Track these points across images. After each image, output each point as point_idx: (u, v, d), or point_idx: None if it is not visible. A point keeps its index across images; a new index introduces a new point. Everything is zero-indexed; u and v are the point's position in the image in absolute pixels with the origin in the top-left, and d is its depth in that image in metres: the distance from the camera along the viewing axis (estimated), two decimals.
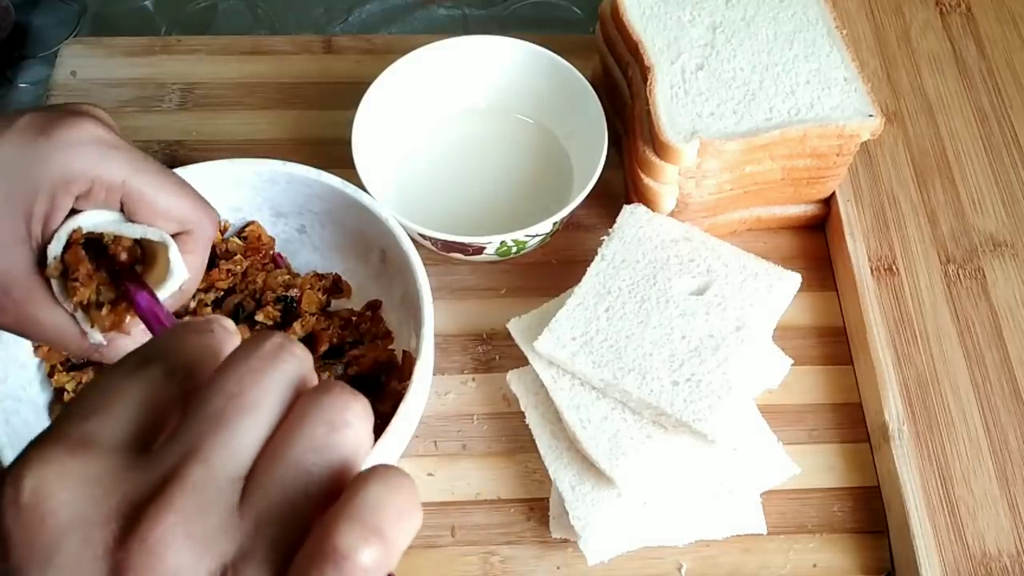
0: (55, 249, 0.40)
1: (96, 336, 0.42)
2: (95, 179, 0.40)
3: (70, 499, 0.22)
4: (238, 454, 0.23)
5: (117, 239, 0.42)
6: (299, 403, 0.24)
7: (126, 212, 0.42)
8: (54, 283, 0.41)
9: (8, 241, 0.40)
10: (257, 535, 0.22)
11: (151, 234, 0.42)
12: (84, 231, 0.41)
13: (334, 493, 0.23)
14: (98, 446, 0.23)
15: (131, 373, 0.25)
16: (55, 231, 0.41)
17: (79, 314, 0.41)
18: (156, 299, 0.41)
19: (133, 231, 0.42)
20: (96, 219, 0.41)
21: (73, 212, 0.41)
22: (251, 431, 0.24)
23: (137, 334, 0.43)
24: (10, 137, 0.39)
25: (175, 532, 0.22)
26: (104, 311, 0.42)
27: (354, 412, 0.24)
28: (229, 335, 0.28)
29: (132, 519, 0.22)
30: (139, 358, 0.26)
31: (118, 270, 0.42)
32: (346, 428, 0.24)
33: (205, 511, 0.22)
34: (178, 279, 0.42)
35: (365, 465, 0.25)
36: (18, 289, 0.40)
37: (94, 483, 0.22)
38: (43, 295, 0.41)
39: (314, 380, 0.26)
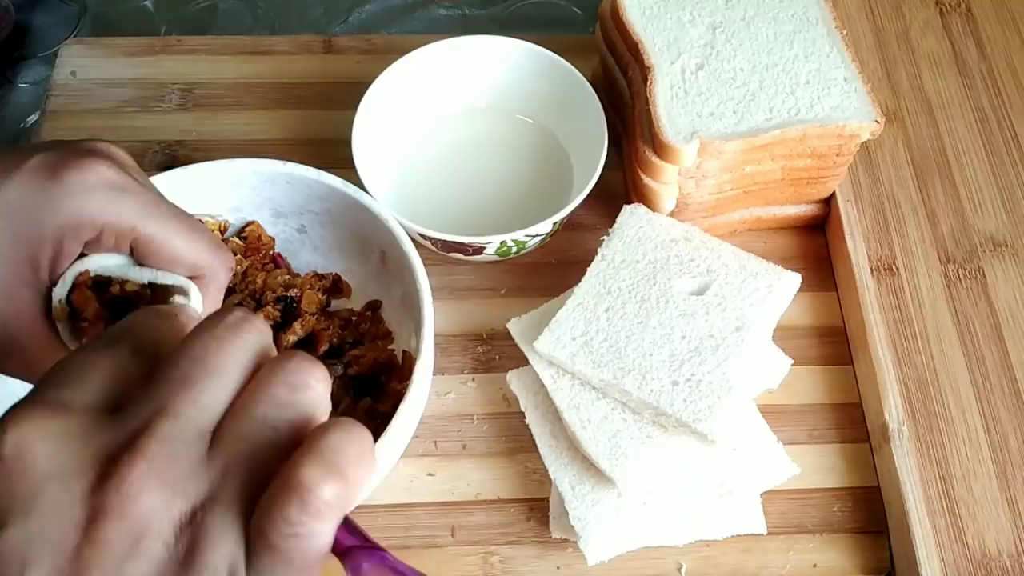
0: (60, 292, 0.40)
1: None
2: (104, 226, 0.39)
3: (49, 451, 0.24)
4: (205, 409, 0.25)
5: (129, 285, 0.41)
6: (265, 368, 0.26)
7: (137, 256, 0.41)
8: (61, 327, 0.40)
9: (14, 286, 0.39)
10: (224, 480, 0.24)
11: (162, 278, 0.41)
12: (92, 274, 0.40)
13: (295, 446, 0.25)
14: (73, 407, 0.25)
15: (100, 349, 0.27)
16: (61, 274, 0.40)
17: None
18: None
19: (142, 275, 0.41)
20: (104, 262, 0.40)
21: (81, 255, 0.40)
22: (217, 391, 0.26)
23: None
24: (19, 178, 0.38)
25: (148, 477, 0.24)
26: None
27: (314, 376, 0.26)
28: (192, 319, 0.30)
29: (107, 467, 0.24)
30: (108, 337, 0.28)
31: (123, 306, 0.41)
32: (307, 389, 0.26)
33: (175, 459, 0.24)
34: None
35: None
36: (25, 335, 0.40)
37: (70, 438, 0.24)
38: (50, 340, 0.40)
39: (274, 352, 0.28)
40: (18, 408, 0.25)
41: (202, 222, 0.44)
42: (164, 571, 0.24)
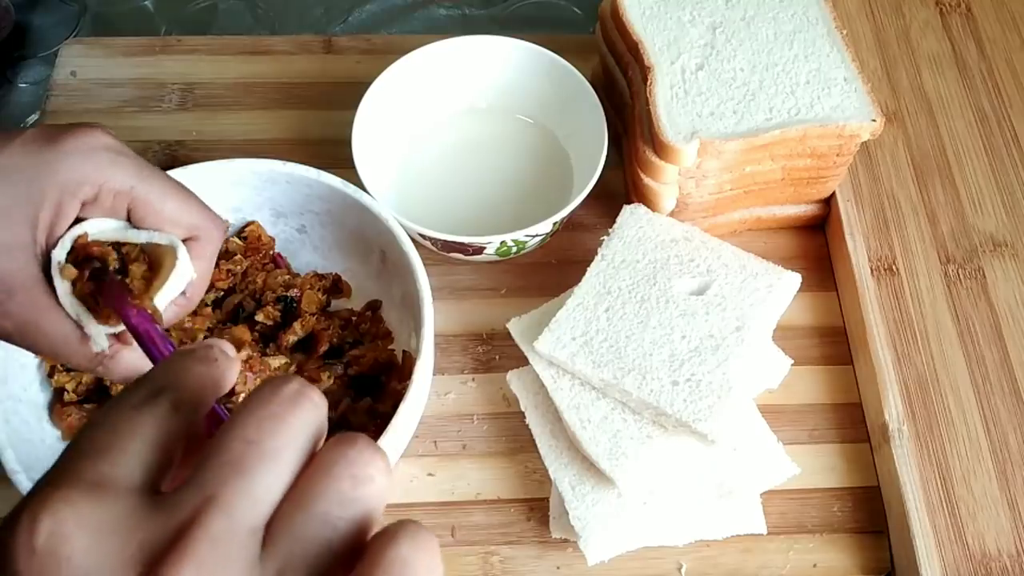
0: (59, 254, 0.40)
1: (101, 341, 0.41)
2: (103, 184, 0.40)
3: (87, 546, 0.21)
4: (259, 503, 0.23)
5: (115, 246, 0.41)
6: (323, 454, 0.24)
7: (133, 219, 0.42)
8: (59, 289, 0.41)
9: (13, 246, 0.39)
10: None
11: (158, 238, 0.42)
12: (90, 236, 0.41)
13: (356, 548, 0.23)
14: (114, 488, 0.23)
15: (139, 408, 0.25)
16: (60, 237, 0.40)
17: (84, 318, 0.41)
18: (148, 317, 0.40)
19: (139, 236, 0.42)
20: (101, 225, 0.41)
21: (77, 221, 0.41)
22: (272, 479, 0.23)
23: (138, 347, 0.43)
24: (16, 144, 0.39)
25: None
26: (103, 315, 0.41)
27: (377, 467, 0.24)
28: (231, 362, 0.27)
29: (150, 569, 0.21)
30: (147, 390, 0.25)
31: (107, 282, 0.41)
32: (371, 483, 0.23)
33: (225, 563, 0.22)
34: (185, 277, 0.42)
35: None
36: (22, 294, 0.40)
37: (111, 529, 0.22)
38: (47, 301, 0.41)
39: (326, 427, 0.26)
40: (52, 486, 0.22)
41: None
42: None
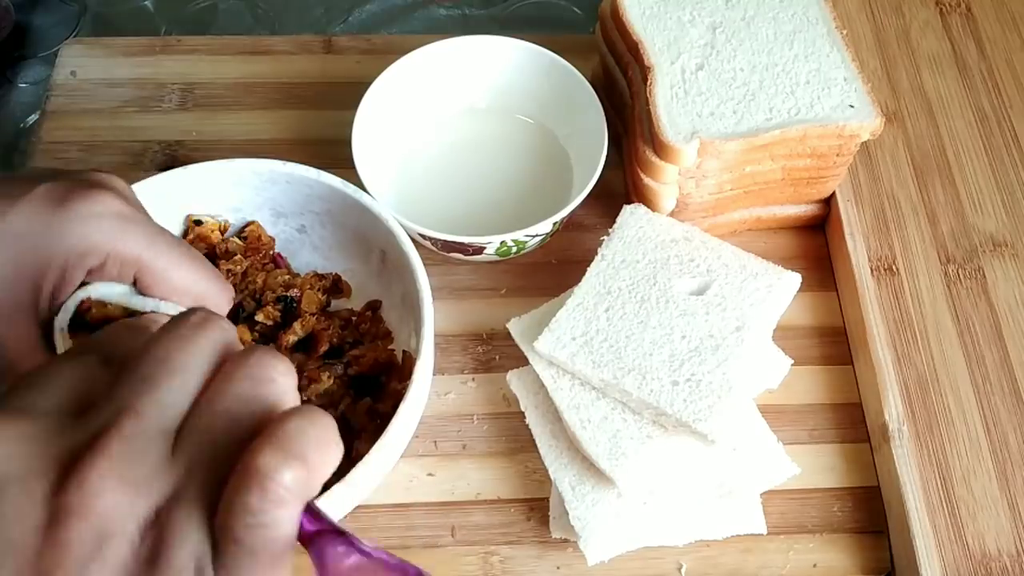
0: (62, 320, 0.39)
1: None
2: (111, 253, 0.39)
3: (9, 454, 0.24)
4: (168, 407, 0.25)
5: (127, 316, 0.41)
6: (227, 363, 0.26)
7: (140, 286, 0.41)
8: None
9: (15, 312, 0.39)
10: (188, 478, 0.24)
11: (165, 308, 0.41)
12: (93, 301, 0.40)
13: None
14: (35, 411, 0.25)
15: (69, 359, 0.27)
16: (63, 302, 0.39)
17: None
18: None
19: (146, 304, 0.41)
20: (107, 290, 0.40)
21: (82, 284, 0.40)
22: (180, 388, 0.25)
23: None
24: (25, 206, 0.38)
25: (109, 476, 0.23)
26: None
27: (277, 369, 0.26)
28: (155, 322, 0.30)
29: (68, 468, 0.23)
30: (78, 348, 0.28)
31: None
32: (269, 382, 0.26)
33: (137, 458, 0.24)
34: None
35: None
36: (23, 362, 0.40)
37: (30, 440, 0.24)
38: None
39: (237, 346, 0.28)
40: None
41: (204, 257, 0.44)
42: (129, 572, 0.23)
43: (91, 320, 0.40)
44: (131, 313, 0.41)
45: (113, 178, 0.42)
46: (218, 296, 0.43)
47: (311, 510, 0.25)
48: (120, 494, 0.23)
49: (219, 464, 0.24)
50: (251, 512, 0.23)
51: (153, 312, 0.41)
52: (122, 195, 0.41)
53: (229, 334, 0.28)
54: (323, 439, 0.25)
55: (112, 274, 0.40)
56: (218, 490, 0.24)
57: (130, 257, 0.40)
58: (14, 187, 0.39)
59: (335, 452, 0.25)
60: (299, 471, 0.24)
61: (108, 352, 0.28)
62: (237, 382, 0.26)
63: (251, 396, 0.26)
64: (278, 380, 0.26)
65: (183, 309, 0.40)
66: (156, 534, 0.24)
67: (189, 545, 0.24)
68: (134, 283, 0.41)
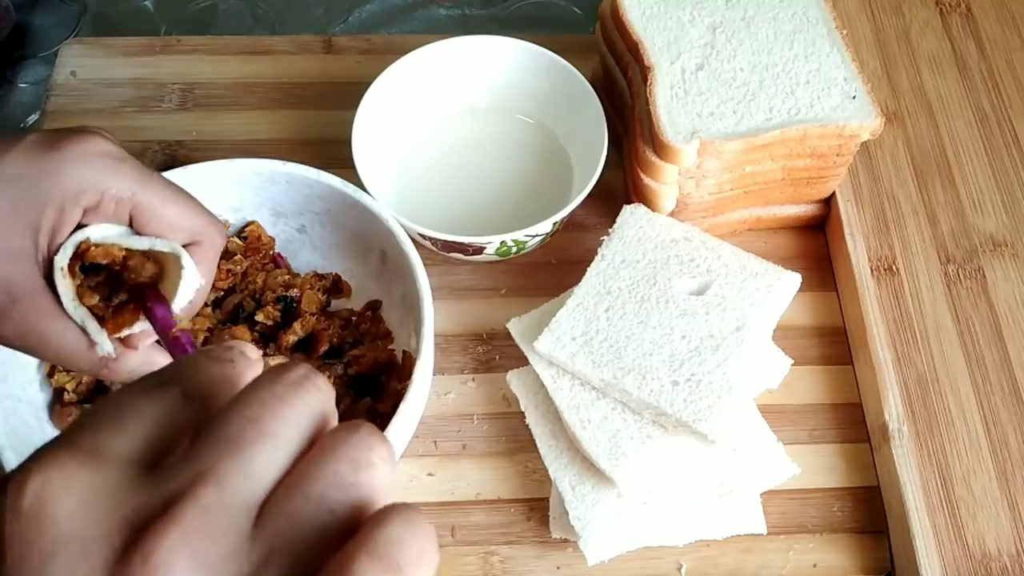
0: (62, 260, 0.40)
1: (106, 346, 0.41)
2: (104, 191, 0.40)
3: (73, 509, 0.21)
4: (254, 480, 0.22)
5: (128, 255, 0.41)
6: (325, 438, 0.24)
7: (135, 225, 0.42)
8: (62, 294, 0.40)
9: (15, 253, 0.39)
10: (268, 565, 0.21)
11: (160, 245, 0.42)
12: (92, 242, 0.41)
13: (350, 534, 0.22)
14: (108, 458, 0.22)
15: (147, 392, 0.25)
16: (62, 243, 0.40)
17: (88, 323, 0.41)
18: (171, 315, 0.41)
19: (142, 243, 0.42)
20: (104, 231, 0.41)
21: (79, 227, 0.41)
22: (270, 458, 0.23)
23: (144, 349, 0.43)
24: (18, 150, 0.39)
25: (180, 553, 0.20)
26: (110, 321, 0.41)
27: (380, 455, 0.23)
28: (250, 364, 0.27)
29: (137, 535, 0.21)
30: (158, 379, 0.25)
31: (131, 287, 0.42)
32: (371, 469, 0.23)
33: (214, 534, 0.21)
34: (192, 284, 0.42)
35: None
36: (25, 300, 0.40)
37: (100, 495, 0.21)
38: (50, 307, 0.41)
39: (335, 418, 0.25)
40: (48, 451, 0.22)
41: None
42: None
43: (89, 260, 0.41)
44: (130, 256, 0.41)
45: (100, 128, 0.42)
46: (212, 231, 0.44)
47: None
48: (190, 575, 0.20)
49: (304, 557, 0.21)
50: None
51: (150, 249, 0.42)
52: (111, 141, 0.42)
53: (329, 400, 0.25)
54: (424, 551, 0.22)
55: (108, 213, 0.41)
56: None
57: (124, 194, 0.40)
58: (3, 139, 0.40)
59: (434, 562, 0.22)
60: None
61: (190, 387, 0.25)
62: (336, 463, 0.23)
63: (349, 484, 0.23)
64: (379, 467, 0.23)
65: (178, 247, 0.42)
66: None
67: None
68: (130, 224, 0.42)
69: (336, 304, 0.62)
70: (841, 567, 0.56)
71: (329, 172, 0.58)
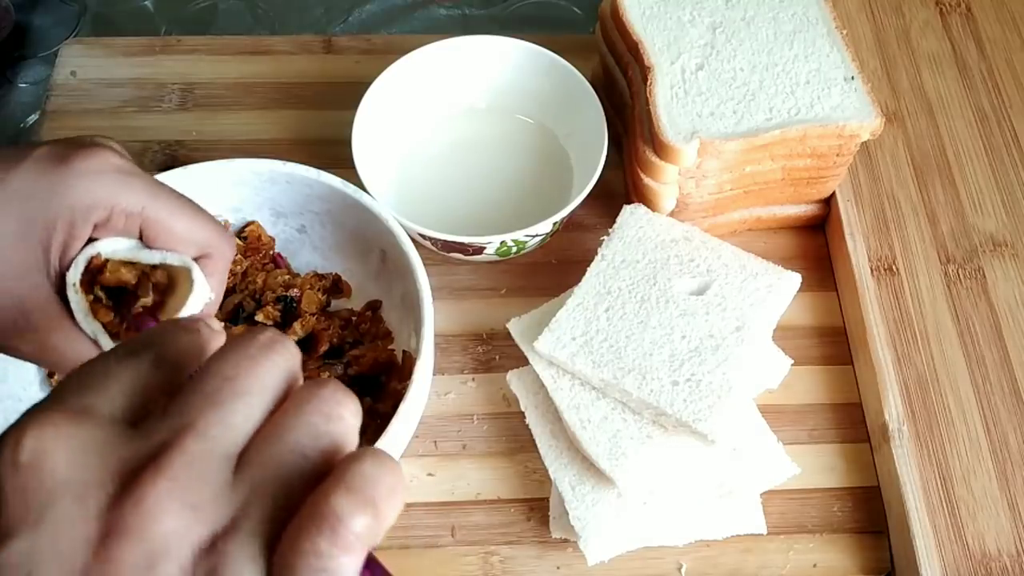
0: (74, 275, 0.40)
1: None
2: (115, 206, 0.40)
3: (67, 461, 0.23)
4: (233, 431, 0.24)
5: (140, 277, 0.42)
6: (297, 393, 0.26)
7: (145, 239, 0.42)
8: (75, 310, 0.41)
9: (27, 269, 0.39)
10: (249, 507, 0.23)
11: (171, 259, 0.42)
12: (103, 257, 0.41)
13: (322, 477, 0.24)
14: (95, 416, 0.24)
15: (122, 359, 0.26)
16: (73, 258, 0.40)
17: (101, 338, 0.41)
18: None
19: (152, 257, 0.42)
20: (114, 245, 0.41)
21: (90, 241, 0.41)
22: (246, 412, 0.25)
23: None
24: (28, 166, 0.39)
25: (169, 497, 0.22)
26: (123, 336, 0.42)
27: (348, 408, 0.25)
28: (215, 334, 0.29)
29: (127, 483, 0.23)
30: (128, 347, 0.27)
31: (133, 306, 0.42)
32: (340, 420, 0.25)
33: (199, 480, 0.23)
34: (202, 298, 0.42)
35: None
36: (39, 316, 0.40)
37: (91, 448, 0.23)
38: (64, 322, 0.41)
39: (301, 377, 0.27)
40: (38, 411, 0.24)
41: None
42: None
43: (104, 283, 0.41)
44: (143, 275, 0.42)
45: (109, 139, 0.42)
46: (221, 243, 0.44)
47: (370, 559, 0.24)
48: (178, 517, 0.22)
49: (283, 498, 0.23)
50: (318, 555, 0.22)
51: (161, 264, 0.42)
52: (119, 153, 0.42)
53: (297, 360, 0.27)
54: (394, 487, 0.24)
55: (118, 228, 0.41)
56: (280, 525, 0.23)
57: (134, 209, 0.40)
58: (12, 153, 0.40)
59: (401, 501, 0.24)
60: (370, 518, 0.23)
61: (160, 353, 0.27)
62: (308, 415, 0.25)
63: (322, 432, 0.24)
64: (347, 419, 0.25)
65: (188, 260, 0.42)
66: (210, 562, 0.22)
67: None
68: (140, 238, 0.42)
69: (336, 304, 0.62)
70: (841, 567, 0.56)
71: (329, 172, 0.58)
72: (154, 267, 0.42)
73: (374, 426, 0.54)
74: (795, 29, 0.63)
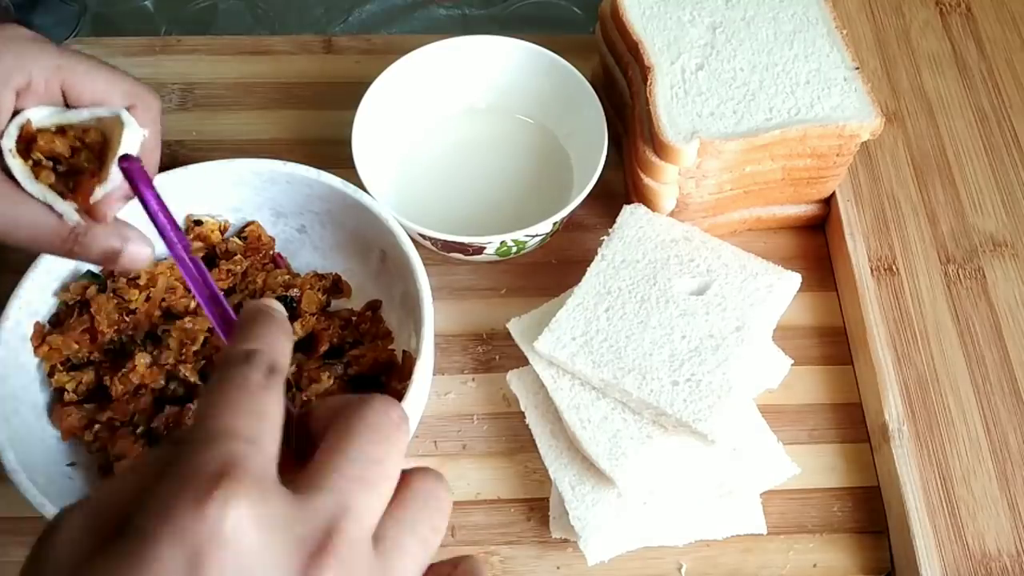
0: (8, 143, 0.41)
1: (72, 216, 0.42)
2: (31, 70, 0.41)
3: (260, 539, 0.24)
4: (376, 513, 0.27)
5: (74, 147, 0.42)
6: (417, 483, 0.29)
7: (69, 100, 0.43)
8: (17, 175, 0.41)
9: None
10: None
11: (100, 112, 0.43)
12: (33, 124, 0.41)
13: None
14: (271, 483, 0.26)
15: (266, 387, 0.27)
16: (3, 129, 0.41)
17: (50, 196, 0.42)
18: (158, 197, 0.41)
19: (81, 115, 0.43)
20: (42, 112, 0.42)
21: (16, 112, 0.42)
22: (386, 495, 0.28)
23: (113, 223, 0.43)
24: None
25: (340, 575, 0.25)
26: (72, 194, 0.42)
27: (450, 505, 0.30)
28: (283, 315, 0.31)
29: (307, 565, 0.25)
30: (265, 367, 0.28)
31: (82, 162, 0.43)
32: (446, 515, 0.30)
33: (359, 560, 0.26)
34: (136, 136, 0.42)
35: None
36: None
37: (274, 527, 0.25)
38: (10, 190, 0.42)
39: None
40: (230, 480, 0.25)
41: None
42: None
43: (41, 152, 0.42)
44: (78, 144, 0.43)
45: (15, 21, 0.44)
46: (144, 92, 0.44)
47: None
48: None
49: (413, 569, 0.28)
50: None
51: (90, 119, 0.43)
52: (25, 27, 0.43)
53: (409, 434, 0.30)
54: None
55: (40, 92, 0.42)
56: None
57: (51, 68, 0.42)
58: None
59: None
60: None
61: (282, 365, 0.29)
62: (433, 512, 0.29)
63: (440, 527, 0.29)
64: (447, 512, 0.30)
65: (119, 109, 0.43)
66: None
67: None
68: (66, 104, 0.43)
69: (336, 304, 0.62)
70: (841, 567, 0.56)
71: (329, 172, 0.58)
72: (85, 129, 0.43)
73: None
74: (795, 29, 0.63)
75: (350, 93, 0.64)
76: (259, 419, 0.26)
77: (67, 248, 0.43)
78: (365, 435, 0.28)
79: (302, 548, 0.25)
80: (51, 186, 0.42)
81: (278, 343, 0.29)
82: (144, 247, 0.44)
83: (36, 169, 0.42)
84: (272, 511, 0.25)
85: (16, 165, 0.41)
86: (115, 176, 0.42)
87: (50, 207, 0.42)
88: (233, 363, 0.28)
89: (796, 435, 0.59)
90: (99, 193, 0.42)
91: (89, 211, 0.42)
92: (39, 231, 0.42)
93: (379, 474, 0.27)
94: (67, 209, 0.42)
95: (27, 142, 0.42)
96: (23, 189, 0.41)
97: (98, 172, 0.42)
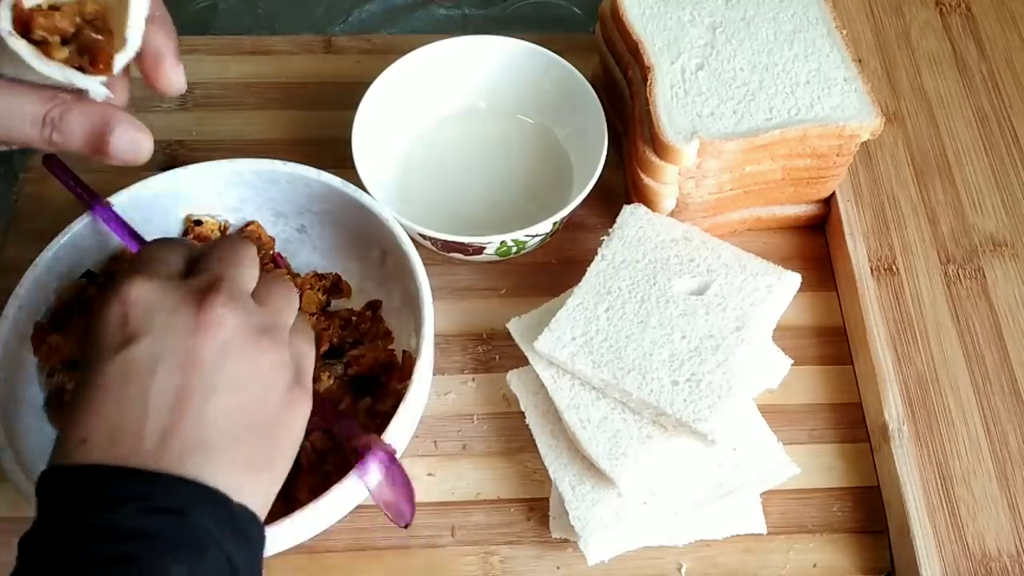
0: (5, 25, 0.38)
1: (100, 90, 0.40)
2: None
3: (158, 296, 0.39)
4: (245, 281, 0.42)
5: (76, 22, 0.40)
6: (271, 275, 0.46)
7: None
8: (26, 57, 0.39)
9: None
10: (278, 313, 0.43)
11: None
12: (25, 2, 0.39)
13: None
14: (163, 275, 0.41)
15: (173, 246, 0.45)
16: None
17: (69, 73, 0.39)
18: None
19: None
20: None
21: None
22: (248, 275, 0.43)
23: (96, 104, 0.41)
24: None
25: (229, 306, 0.40)
26: (91, 66, 0.40)
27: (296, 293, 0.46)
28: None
29: (200, 299, 0.39)
30: (175, 244, 0.45)
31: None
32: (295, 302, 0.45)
33: (242, 299, 0.41)
34: (142, 6, 0.41)
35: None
36: None
37: (167, 287, 0.40)
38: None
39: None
40: (127, 275, 0.39)
41: None
42: (247, 357, 0.39)
43: (43, 31, 0.39)
44: (80, 21, 0.40)
45: None
46: None
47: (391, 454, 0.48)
48: (239, 315, 0.40)
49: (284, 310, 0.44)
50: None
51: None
52: None
53: (255, 248, 0.45)
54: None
55: None
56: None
57: None
58: None
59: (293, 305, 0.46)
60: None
61: (186, 246, 0.44)
62: (287, 290, 0.45)
63: (291, 306, 0.44)
64: (293, 288, 0.46)
65: None
66: (266, 342, 0.41)
67: (300, 346, 0.44)
68: None
69: (336, 304, 0.62)
70: (841, 567, 0.56)
71: (329, 172, 0.58)
72: (81, 3, 0.40)
73: (374, 426, 0.54)
74: (795, 29, 0.63)
75: (350, 93, 0.64)
76: (156, 253, 0.44)
77: (46, 136, 0.40)
78: (219, 246, 0.43)
79: (192, 294, 0.40)
80: (65, 61, 0.39)
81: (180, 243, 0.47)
82: (136, 131, 0.42)
83: (44, 48, 0.39)
84: (162, 282, 0.40)
85: (20, 45, 0.38)
86: (133, 41, 0.40)
87: (66, 86, 0.39)
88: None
89: (796, 435, 0.59)
90: (121, 60, 0.40)
91: (112, 84, 0.40)
92: (12, 120, 0.40)
93: (237, 261, 0.42)
94: (92, 83, 0.39)
95: (23, 23, 0.39)
96: (9, 80, 0.39)
97: (111, 41, 0.40)
